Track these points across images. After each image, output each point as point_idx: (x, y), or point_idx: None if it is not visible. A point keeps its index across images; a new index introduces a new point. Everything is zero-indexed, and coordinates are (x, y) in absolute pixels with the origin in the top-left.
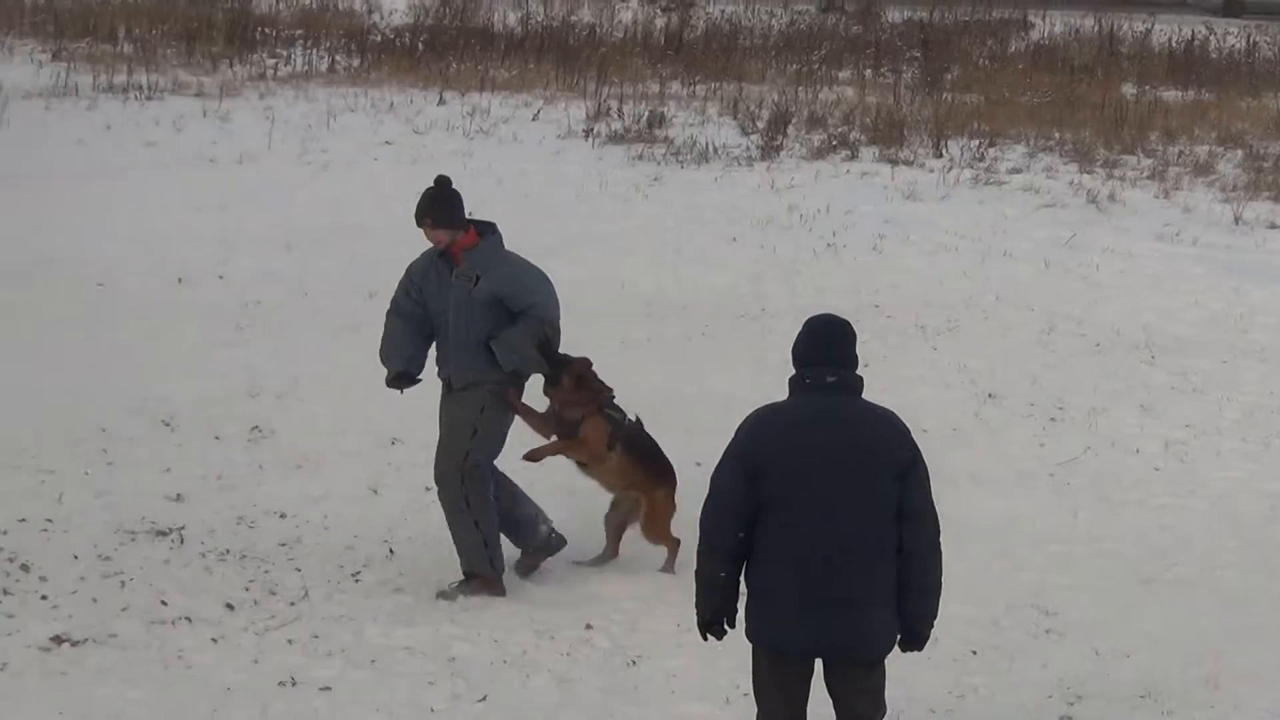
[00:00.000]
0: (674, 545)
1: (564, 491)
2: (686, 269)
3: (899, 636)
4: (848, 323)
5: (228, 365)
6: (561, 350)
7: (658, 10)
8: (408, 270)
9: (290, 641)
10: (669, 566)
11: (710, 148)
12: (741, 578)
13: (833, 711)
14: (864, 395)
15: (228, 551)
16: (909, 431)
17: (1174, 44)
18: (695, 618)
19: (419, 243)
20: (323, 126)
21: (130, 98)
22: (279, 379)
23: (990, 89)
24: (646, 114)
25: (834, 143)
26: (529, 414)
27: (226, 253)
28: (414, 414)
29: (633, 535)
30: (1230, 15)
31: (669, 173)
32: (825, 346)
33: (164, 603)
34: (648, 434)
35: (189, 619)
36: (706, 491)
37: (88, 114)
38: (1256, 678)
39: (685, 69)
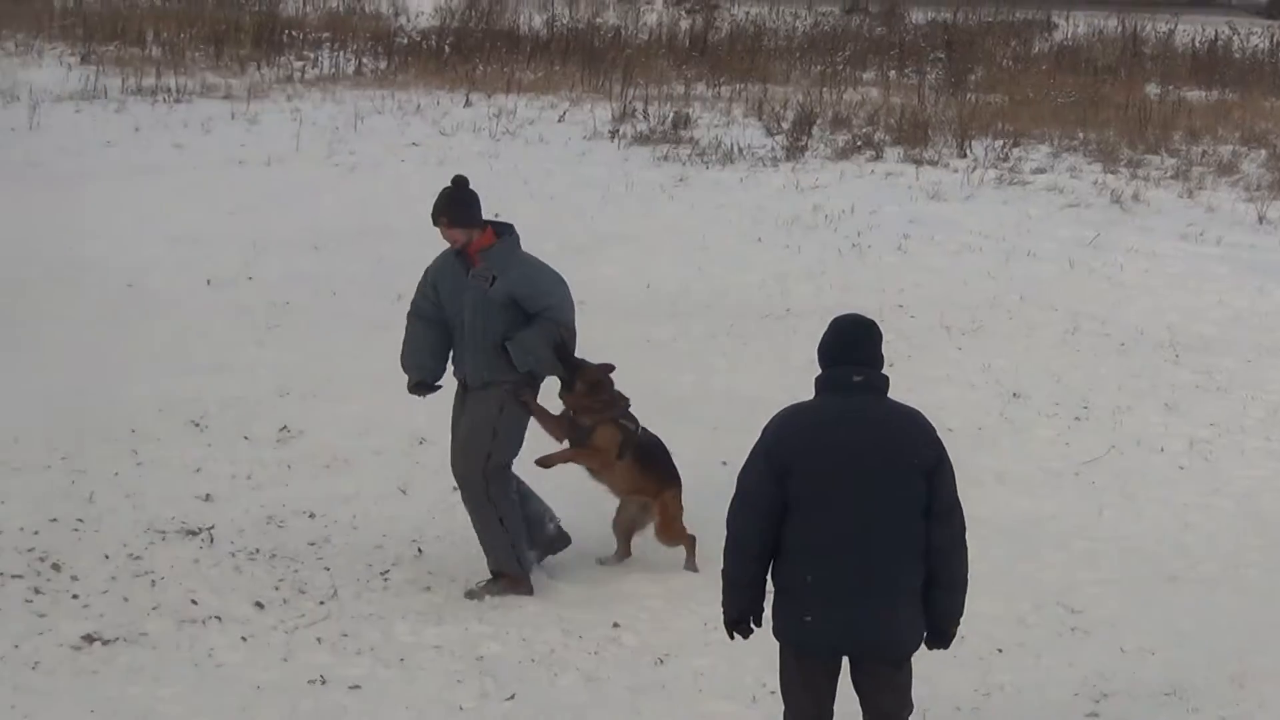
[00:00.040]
0: (690, 542)
1: (574, 491)
2: (712, 269)
3: (925, 634)
4: (874, 322)
5: (256, 365)
6: (588, 353)
7: (682, 12)
8: (426, 271)
9: (319, 640)
10: (691, 564)
11: (735, 148)
12: (768, 576)
13: (859, 709)
14: (889, 395)
15: (257, 551)
16: (934, 430)
17: (1197, 44)
18: (722, 616)
19: (445, 244)
20: (350, 128)
21: (159, 100)
22: (308, 379)
23: (1014, 89)
24: (672, 115)
25: (858, 143)
26: (543, 415)
27: (255, 254)
28: (442, 414)
29: (650, 535)
30: (1274, 17)
31: (694, 173)
32: (851, 346)
33: (194, 602)
34: (658, 440)
35: (219, 618)
36: (733, 491)
37: (117, 116)
38: None
39: (710, 70)
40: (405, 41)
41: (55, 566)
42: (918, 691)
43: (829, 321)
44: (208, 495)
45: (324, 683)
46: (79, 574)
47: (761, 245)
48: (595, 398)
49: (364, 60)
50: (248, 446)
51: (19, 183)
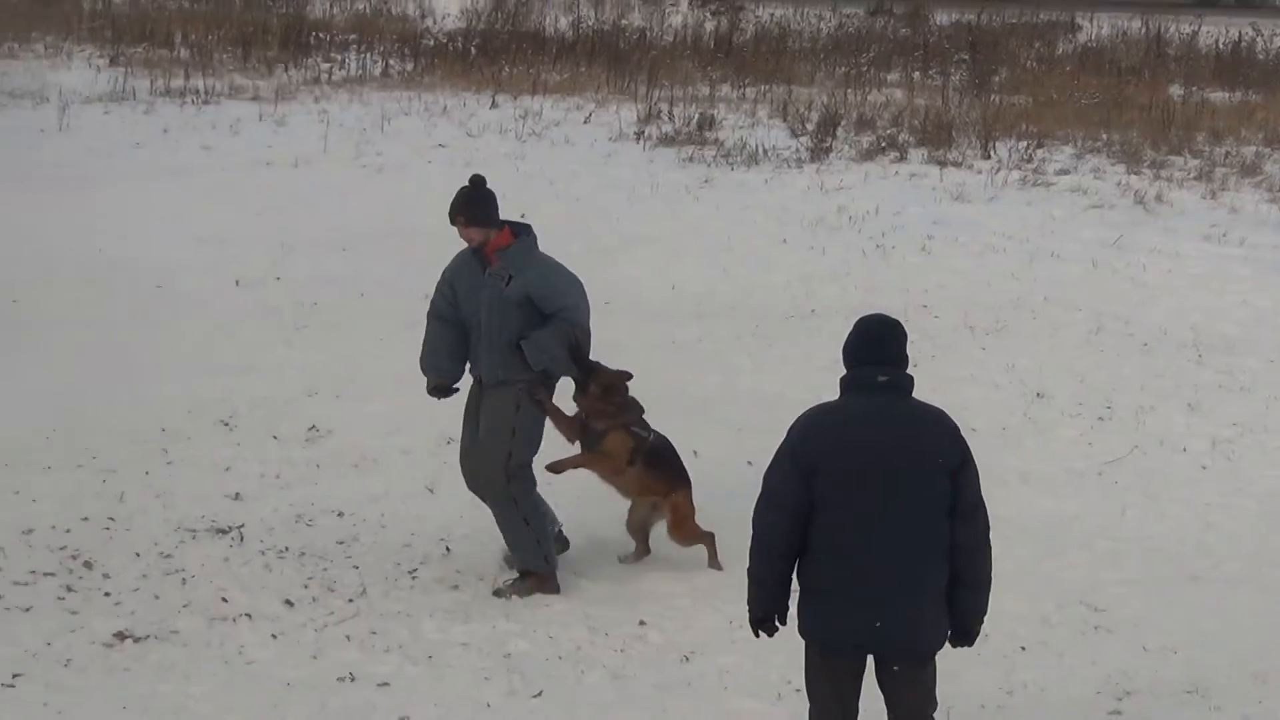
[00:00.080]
0: (709, 539)
1: (588, 490)
2: (737, 270)
3: (949, 632)
4: (899, 322)
5: (285, 366)
6: (614, 353)
7: (707, 14)
8: (444, 270)
9: (348, 637)
10: (714, 561)
11: (760, 150)
12: (793, 575)
13: (884, 707)
14: (914, 394)
15: (286, 549)
16: (959, 430)
17: (1221, 45)
18: (747, 615)
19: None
20: (377, 130)
21: (187, 102)
22: (335, 379)
23: (1038, 91)
24: (697, 116)
25: (883, 144)
26: (557, 415)
27: (283, 255)
28: None
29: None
30: None
31: (719, 175)
32: (877, 346)
33: (224, 599)
34: (667, 442)
35: (249, 615)
36: (758, 490)
37: (145, 118)
38: None
39: (735, 72)
40: (431, 43)
41: (87, 564)
42: (942, 689)
43: (854, 322)
44: (237, 494)
45: (353, 680)
46: (110, 572)
47: (786, 246)
48: (608, 402)
49: (391, 62)
50: (277, 446)
51: (49, 183)
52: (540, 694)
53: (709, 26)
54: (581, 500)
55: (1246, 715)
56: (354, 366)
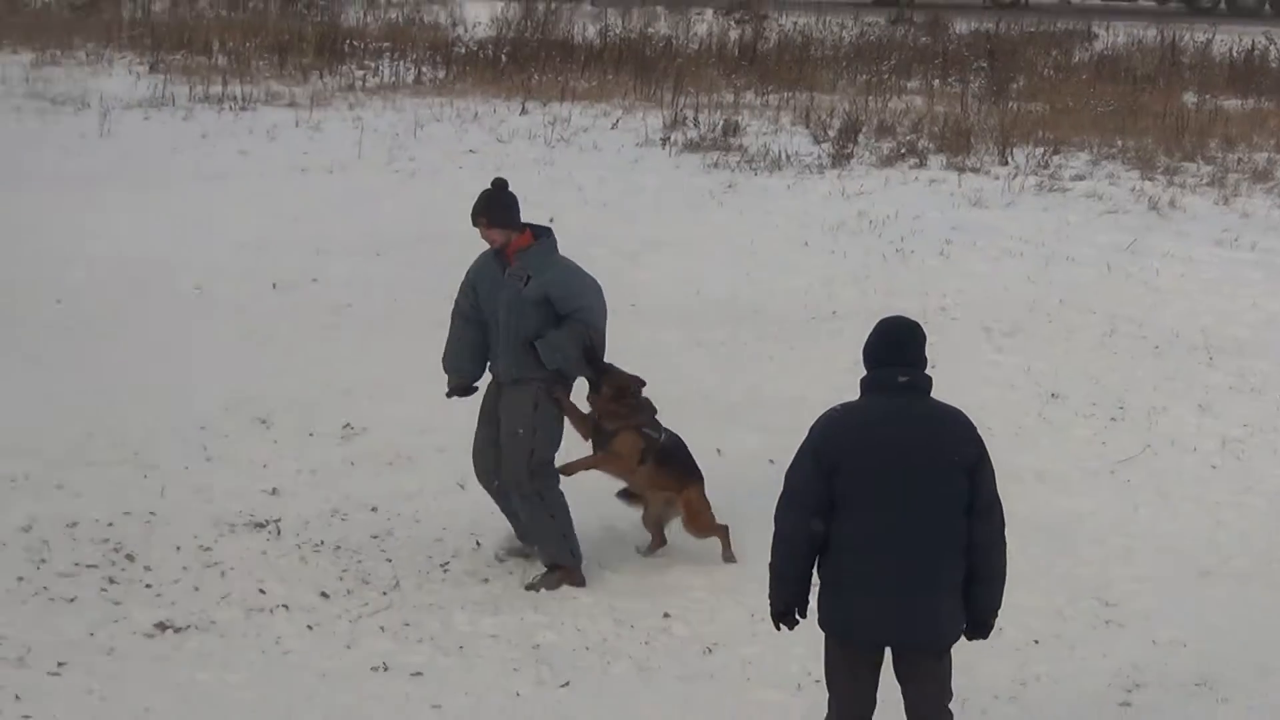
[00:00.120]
0: (723, 532)
1: (603, 487)
2: (760, 274)
3: (965, 626)
4: (918, 324)
5: (321, 366)
6: (637, 355)
7: (732, 22)
8: (467, 271)
9: (382, 629)
10: (728, 555)
11: (783, 156)
12: (814, 570)
13: (901, 698)
14: (932, 395)
15: (322, 543)
16: (975, 429)
17: (1234, 54)
18: (769, 608)
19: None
20: (410, 136)
21: (225, 108)
22: (369, 379)
23: (1055, 98)
24: (721, 123)
25: (903, 151)
26: (574, 413)
27: (319, 259)
28: None
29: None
30: None
31: (743, 180)
32: (897, 347)
33: (262, 591)
34: (679, 440)
35: (286, 607)
36: (779, 488)
37: (184, 124)
38: None
39: (759, 79)
40: (463, 51)
41: (129, 557)
42: (957, 681)
43: (874, 324)
44: (274, 490)
45: (386, 670)
46: (152, 564)
47: (808, 250)
48: (620, 403)
49: (423, 69)
50: (312, 443)
51: (90, 188)
52: (568, 684)
53: (733, 35)
54: (604, 492)
55: (1252, 708)
56: (387, 367)
